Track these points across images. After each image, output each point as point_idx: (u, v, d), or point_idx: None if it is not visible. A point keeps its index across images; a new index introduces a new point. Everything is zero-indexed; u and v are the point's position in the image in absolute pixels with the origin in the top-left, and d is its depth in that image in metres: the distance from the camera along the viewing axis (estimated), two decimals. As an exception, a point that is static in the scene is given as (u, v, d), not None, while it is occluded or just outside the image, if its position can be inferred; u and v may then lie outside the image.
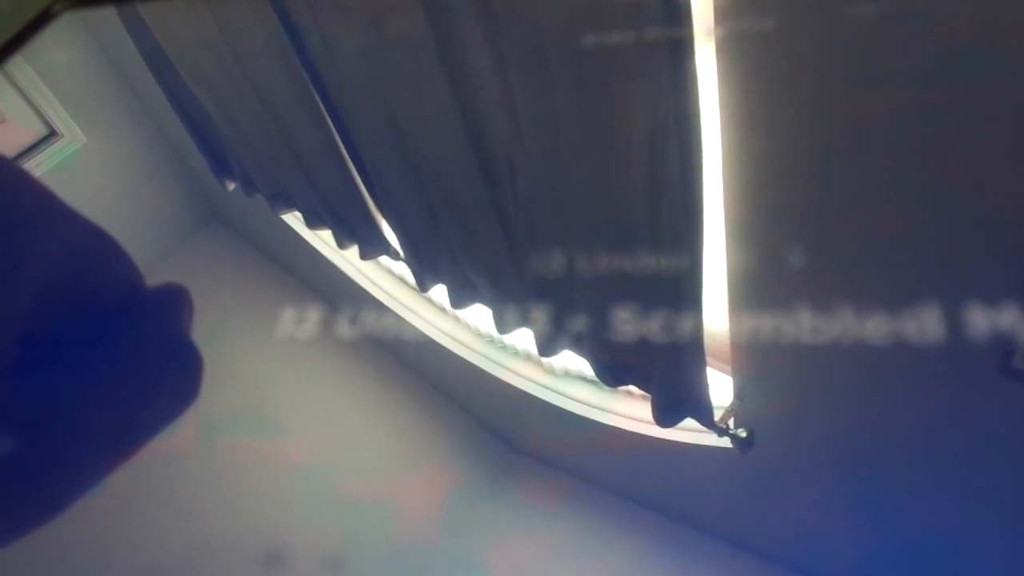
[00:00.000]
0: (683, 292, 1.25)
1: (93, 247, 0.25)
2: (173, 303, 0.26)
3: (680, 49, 0.89)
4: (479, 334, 2.37)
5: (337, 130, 1.74)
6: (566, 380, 2.20)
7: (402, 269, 2.40)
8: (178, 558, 2.37)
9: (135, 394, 0.24)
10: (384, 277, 2.60)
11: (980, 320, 0.99)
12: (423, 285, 2.03)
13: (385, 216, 1.93)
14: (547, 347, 1.78)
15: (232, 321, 2.80)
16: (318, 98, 1.66)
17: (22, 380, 0.22)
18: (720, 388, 1.59)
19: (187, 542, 2.42)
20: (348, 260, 2.60)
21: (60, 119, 2.77)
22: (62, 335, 0.24)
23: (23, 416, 0.22)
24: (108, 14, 2.13)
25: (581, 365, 2.00)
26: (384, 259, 2.33)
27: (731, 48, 0.90)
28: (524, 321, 1.80)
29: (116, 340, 0.24)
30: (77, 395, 0.23)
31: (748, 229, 1.14)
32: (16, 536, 0.22)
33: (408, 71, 1.31)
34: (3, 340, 0.22)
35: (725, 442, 1.62)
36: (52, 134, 2.80)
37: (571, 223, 1.31)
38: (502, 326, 1.85)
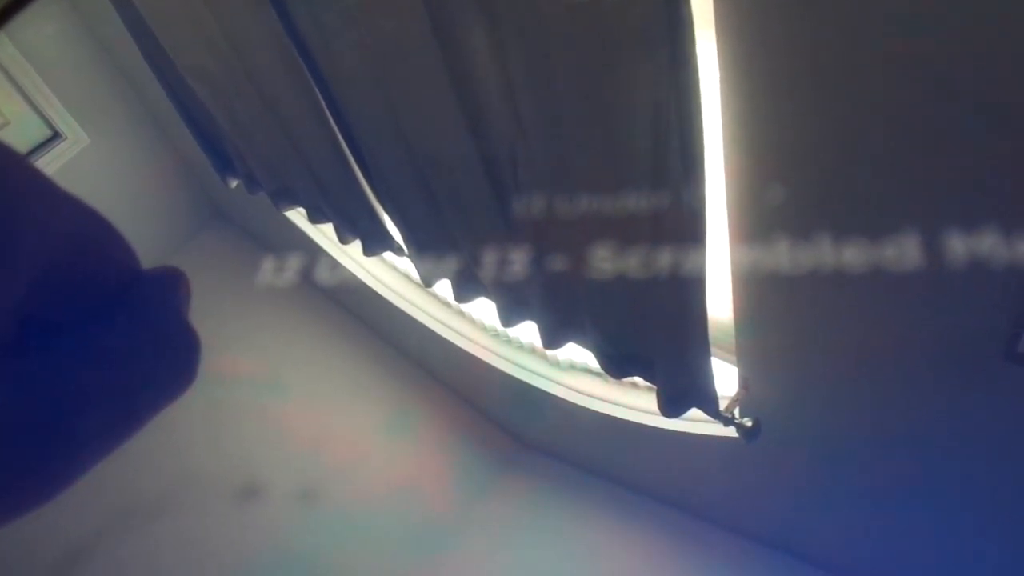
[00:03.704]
0: (688, 278, 1.24)
1: (89, 230, 0.25)
2: (170, 285, 0.27)
3: (676, 9, 0.89)
4: (483, 328, 2.37)
5: (337, 123, 1.74)
6: (571, 372, 2.20)
7: (406, 265, 2.41)
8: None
9: (133, 375, 0.24)
10: (388, 273, 2.60)
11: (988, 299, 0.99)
12: (427, 280, 2.04)
13: (387, 210, 1.93)
14: (552, 339, 1.78)
15: (237, 315, 2.81)
16: (317, 91, 1.66)
17: (20, 361, 0.22)
18: (725, 378, 1.59)
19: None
20: (351, 256, 2.61)
21: (63, 121, 2.78)
22: (60, 317, 0.24)
23: (21, 397, 0.22)
24: (106, 9, 2.13)
25: (586, 357, 2.00)
26: (388, 255, 2.33)
27: (728, 8, 0.89)
28: (528, 313, 1.80)
29: (113, 322, 0.25)
30: (75, 376, 0.23)
31: (752, 202, 1.14)
32: (17, 516, 0.22)
33: (407, 61, 1.31)
34: (1, 322, 0.22)
35: (731, 432, 1.62)
36: (56, 136, 2.81)
37: (573, 211, 1.31)
38: (506, 319, 1.85)
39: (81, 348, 0.23)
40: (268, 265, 2.32)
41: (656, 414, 1.68)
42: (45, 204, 0.23)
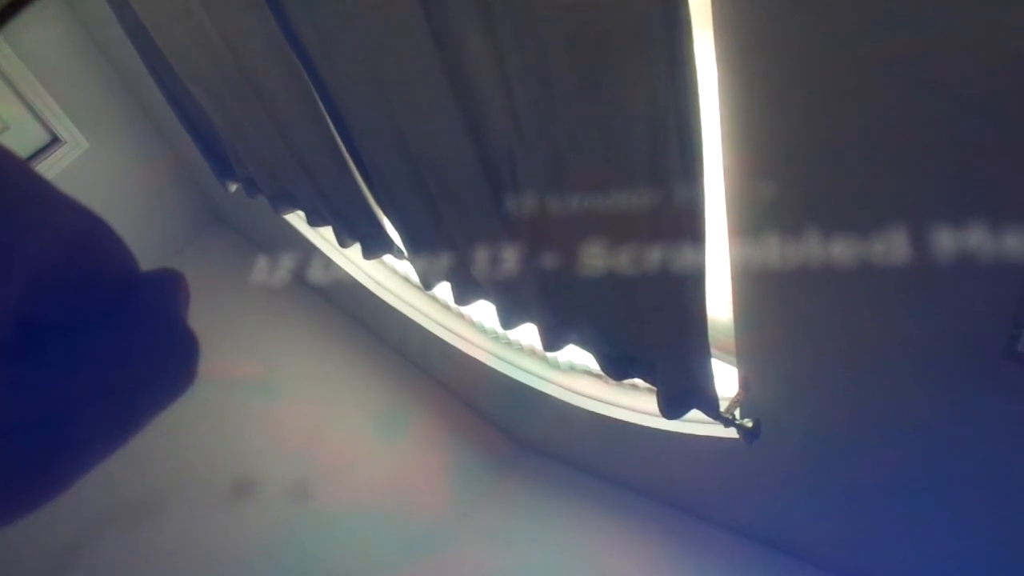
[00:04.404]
0: (687, 277, 1.24)
1: (88, 233, 0.25)
2: (169, 288, 0.27)
3: (674, 9, 0.89)
4: (483, 330, 2.37)
5: (335, 126, 1.74)
6: (570, 374, 2.20)
7: (406, 268, 2.41)
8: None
9: (132, 377, 0.24)
10: (388, 275, 2.60)
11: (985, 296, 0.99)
12: (427, 283, 2.03)
13: (386, 213, 1.93)
14: (552, 341, 1.77)
15: (236, 318, 2.81)
16: (315, 94, 1.66)
17: (19, 362, 0.22)
18: (725, 379, 1.59)
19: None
20: (351, 260, 2.61)
21: (62, 126, 2.79)
22: (59, 319, 0.24)
23: (21, 399, 0.22)
24: (104, 13, 2.13)
25: (586, 359, 2.00)
26: (387, 258, 2.33)
27: (726, 7, 0.89)
28: (528, 315, 1.79)
29: (112, 324, 0.25)
30: (74, 378, 0.23)
31: (751, 200, 1.14)
32: (17, 517, 0.22)
33: (404, 63, 1.31)
34: (1, 324, 0.22)
35: (731, 433, 1.62)
36: (55, 141, 2.81)
37: (572, 212, 1.31)
38: (506, 322, 1.85)
39: (80, 350, 0.23)
40: (268, 268, 2.32)
41: (656, 415, 1.68)
42: (45, 207, 0.23)
